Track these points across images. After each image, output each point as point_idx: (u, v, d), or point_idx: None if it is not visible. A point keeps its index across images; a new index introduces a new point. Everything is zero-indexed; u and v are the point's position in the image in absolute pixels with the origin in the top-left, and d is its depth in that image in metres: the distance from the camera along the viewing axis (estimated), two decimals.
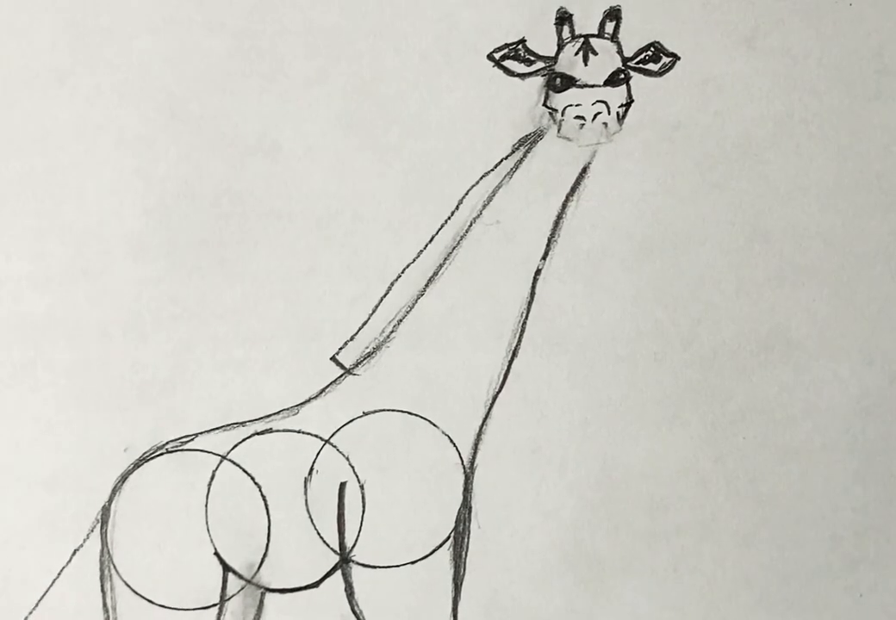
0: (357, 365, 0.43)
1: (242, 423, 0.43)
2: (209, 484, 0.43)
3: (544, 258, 0.44)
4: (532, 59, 0.45)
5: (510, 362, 0.44)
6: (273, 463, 0.43)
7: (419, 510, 0.43)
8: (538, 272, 0.44)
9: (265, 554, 0.42)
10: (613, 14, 0.44)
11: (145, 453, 0.43)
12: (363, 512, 0.43)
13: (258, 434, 0.43)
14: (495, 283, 0.44)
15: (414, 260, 0.44)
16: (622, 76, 0.44)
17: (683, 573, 0.43)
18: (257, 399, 0.43)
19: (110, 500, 0.42)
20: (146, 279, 0.43)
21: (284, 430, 0.43)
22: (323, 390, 0.43)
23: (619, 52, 0.44)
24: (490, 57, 0.45)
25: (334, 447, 0.43)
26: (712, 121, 0.44)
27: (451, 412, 0.43)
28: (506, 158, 0.44)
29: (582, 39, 0.45)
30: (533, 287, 0.44)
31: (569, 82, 0.45)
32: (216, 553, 0.42)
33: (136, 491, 0.42)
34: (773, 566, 0.43)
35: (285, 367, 0.43)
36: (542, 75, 0.45)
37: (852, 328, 0.43)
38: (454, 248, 0.44)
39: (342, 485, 0.43)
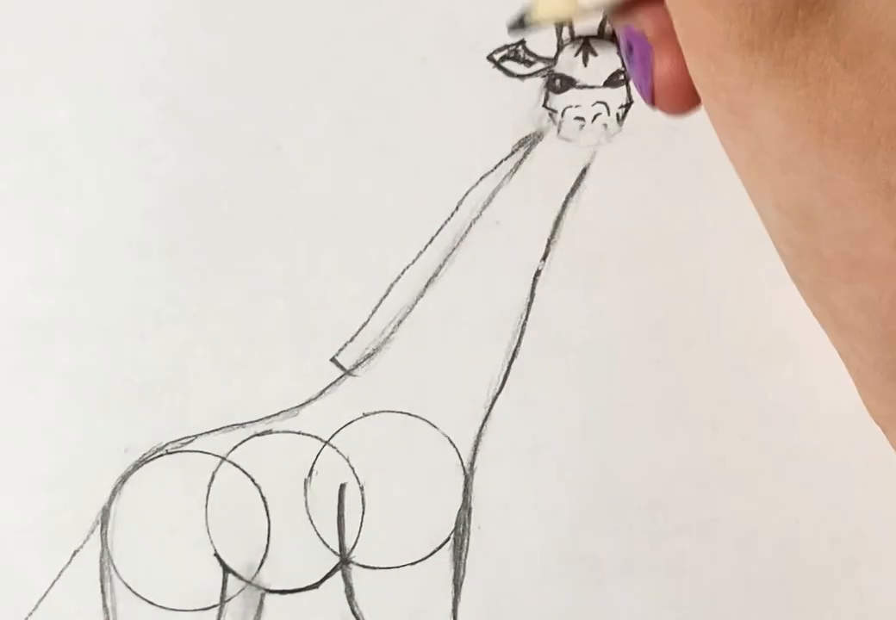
0: (357, 366, 0.43)
1: (242, 424, 0.43)
2: (209, 486, 0.42)
3: (544, 259, 0.44)
4: (532, 60, 0.45)
5: (510, 363, 0.44)
6: (273, 464, 0.43)
7: (419, 511, 0.43)
8: (538, 273, 0.44)
9: (265, 555, 0.42)
10: None
11: (145, 454, 0.42)
12: (363, 513, 0.43)
13: (258, 435, 0.43)
14: (495, 284, 0.44)
15: (414, 261, 0.44)
16: (622, 77, 0.44)
17: (683, 573, 0.43)
18: (257, 400, 0.43)
19: (110, 501, 0.42)
20: (146, 279, 0.43)
21: (284, 431, 0.43)
22: (322, 391, 0.43)
23: (619, 53, 0.44)
24: (490, 58, 0.45)
25: (334, 448, 0.43)
26: None
27: (450, 413, 0.43)
28: (505, 159, 0.44)
29: (582, 40, 0.45)
30: (533, 288, 0.44)
31: (568, 83, 0.45)
32: (216, 555, 0.42)
33: (136, 492, 0.42)
34: (773, 566, 0.43)
35: (285, 368, 0.43)
36: (542, 76, 0.45)
37: None
38: (454, 249, 0.44)
39: (342, 487, 0.43)
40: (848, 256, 0.32)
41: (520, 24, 0.38)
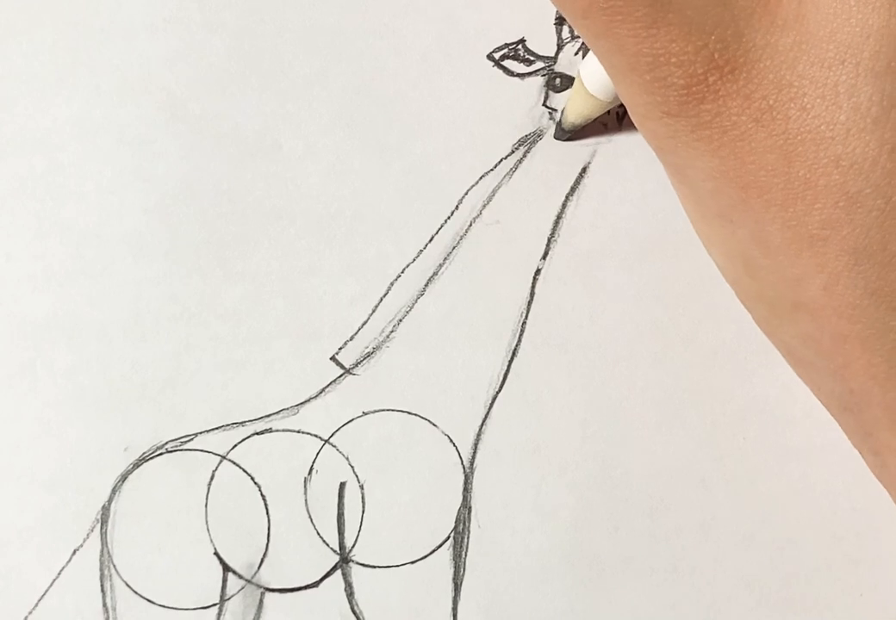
0: (357, 364, 0.43)
1: (242, 423, 0.43)
2: (209, 484, 0.43)
3: (544, 258, 0.44)
4: (532, 58, 0.45)
5: (510, 362, 0.44)
6: (273, 462, 0.43)
7: (419, 510, 0.43)
8: (538, 272, 0.44)
9: (265, 554, 0.42)
10: None
11: (145, 453, 0.43)
12: (363, 511, 0.43)
13: (258, 434, 0.43)
14: (495, 283, 0.44)
15: (414, 260, 0.44)
16: None
17: (683, 573, 0.43)
18: (257, 399, 0.43)
19: (110, 500, 0.42)
20: (146, 279, 0.43)
21: (284, 430, 0.43)
22: (322, 390, 0.43)
23: None
24: (490, 57, 0.45)
25: (334, 447, 0.43)
26: None
27: (450, 412, 0.43)
28: (505, 158, 0.44)
29: (582, 39, 0.45)
30: (533, 287, 0.44)
31: (569, 82, 0.45)
32: (216, 553, 0.42)
33: (136, 490, 0.42)
34: (773, 566, 0.43)
35: (285, 367, 0.43)
36: (542, 75, 0.45)
37: None
38: (454, 248, 0.44)
39: (342, 485, 0.43)
40: (788, 299, 0.33)
41: (562, 131, 0.44)
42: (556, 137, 0.44)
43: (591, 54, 0.41)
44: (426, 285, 0.44)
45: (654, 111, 0.32)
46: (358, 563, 0.43)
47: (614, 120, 0.44)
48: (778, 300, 0.34)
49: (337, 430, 0.43)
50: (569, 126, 0.43)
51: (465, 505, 0.43)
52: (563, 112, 0.43)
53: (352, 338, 0.44)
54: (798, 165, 0.30)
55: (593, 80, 0.40)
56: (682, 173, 0.34)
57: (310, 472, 0.43)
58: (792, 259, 0.32)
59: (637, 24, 0.30)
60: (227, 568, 0.42)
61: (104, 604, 0.42)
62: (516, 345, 0.44)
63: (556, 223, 0.44)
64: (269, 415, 0.43)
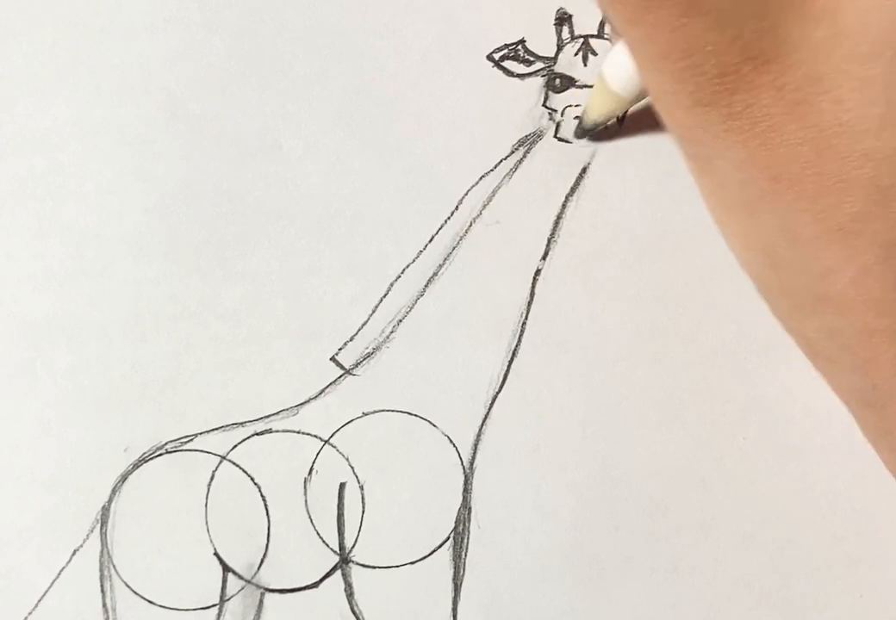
0: (357, 365, 0.43)
1: (242, 423, 0.43)
2: (209, 485, 0.43)
3: (544, 258, 0.44)
4: (532, 59, 0.45)
5: (510, 362, 0.44)
6: (273, 463, 0.43)
7: (419, 510, 0.43)
8: (538, 272, 0.44)
9: (265, 555, 0.42)
10: None
11: (145, 453, 0.43)
12: (363, 512, 0.43)
13: (258, 434, 0.43)
14: (495, 283, 0.44)
15: (414, 260, 0.44)
16: None
17: (683, 572, 0.43)
18: (257, 399, 0.43)
19: (110, 500, 0.42)
20: (146, 279, 0.43)
21: (284, 431, 0.43)
22: (322, 390, 0.43)
23: None
24: (490, 57, 0.45)
25: (334, 447, 0.43)
26: None
27: (450, 412, 0.43)
28: (505, 158, 0.44)
29: (581, 40, 0.45)
30: (533, 287, 0.44)
31: (568, 83, 0.45)
32: (216, 554, 0.42)
33: (136, 491, 0.42)
34: (773, 566, 0.43)
35: (285, 367, 0.43)
36: (542, 76, 0.45)
37: None
38: (454, 248, 0.44)
39: (342, 486, 0.43)
40: (813, 292, 0.33)
41: (583, 130, 0.44)
42: (577, 136, 0.44)
43: (613, 51, 0.40)
44: (426, 285, 0.44)
45: (685, 100, 0.31)
46: (358, 564, 0.43)
47: (615, 120, 0.44)
48: (802, 293, 0.33)
49: (337, 431, 0.43)
50: (590, 124, 0.43)
51: (465, 505, 0.43)
52: (584, 110, 0.43)
53: (352, 339, 0.44)
54: (830, 158, 0.30)
55: (616, 77, 0.40)
56: (708, 164, 0.33)
57: (310, 473, 0.43)
58: (820, 251, 0.32)
59: (672, 10, 0.30)
60: (227, 569, 0.42)
61: (104, 604, 0.42)
62: (516, 345, 0.44)
63: (556, 223, 0.44)
64: (268, 416, 0.43)
